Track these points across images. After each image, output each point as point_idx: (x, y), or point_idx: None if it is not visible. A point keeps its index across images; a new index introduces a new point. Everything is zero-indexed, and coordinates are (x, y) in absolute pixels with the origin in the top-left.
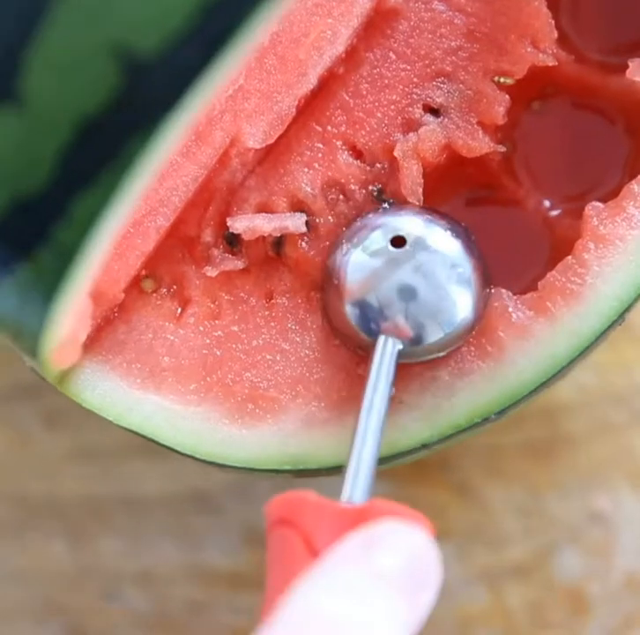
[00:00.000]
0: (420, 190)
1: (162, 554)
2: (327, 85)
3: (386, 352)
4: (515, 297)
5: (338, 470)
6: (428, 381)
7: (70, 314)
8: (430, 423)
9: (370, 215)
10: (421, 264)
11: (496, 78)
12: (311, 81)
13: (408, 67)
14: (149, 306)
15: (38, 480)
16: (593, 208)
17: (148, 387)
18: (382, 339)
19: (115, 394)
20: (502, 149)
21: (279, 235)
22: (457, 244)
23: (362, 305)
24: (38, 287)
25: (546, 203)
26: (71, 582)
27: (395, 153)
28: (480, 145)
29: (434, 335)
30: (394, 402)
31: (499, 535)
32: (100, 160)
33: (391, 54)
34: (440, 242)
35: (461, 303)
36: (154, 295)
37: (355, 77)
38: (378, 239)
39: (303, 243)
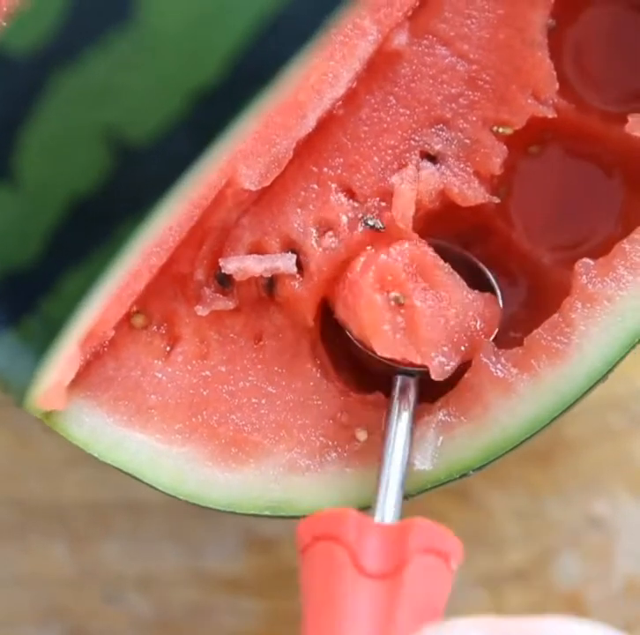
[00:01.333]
0: (411, 213)
1: (163, 558)
2: (325, 126)
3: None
4: (500, 352)
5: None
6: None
7: (58, 364)
8: (409, 478)
9: None
10: None
11: (495, 128)
12: (310, 124)
13: (408, 112)
14: (139, 343)
15: (39, 483)
16: (583, 265)
17: (134, 425)
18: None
19: (102, 431)
20: (497, 200)
21: (269, 275)
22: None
23: None
24: (25, 352)
25: (539, 249)
26: (72, 585)
27: (392, 180)
28: (475, 195)
29: None
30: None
31: (499, 540)
32: (91, 239)
33: (392, 98)
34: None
35: None
36: (145, 331)
37: (354, 119)
38: None
39: (295, 283)
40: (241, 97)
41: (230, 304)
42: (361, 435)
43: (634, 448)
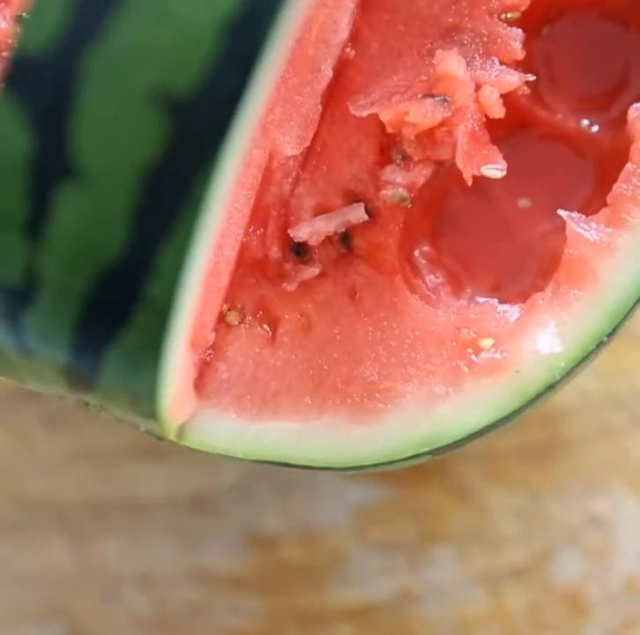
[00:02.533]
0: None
1: (163, 556)
2: (342, 72)
3: None
4: (589, 218)
5: (470, 439)
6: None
7: (177, 367)
8: (549, 364)
9: None
10: None
11: (503, 16)
12: (327, 74)
13: (414, 31)
14: (241, 338)
15: (39, 481)
16: (637, 110)
17: (265, 416)
18: None
19: (237, 432)
20: (532, 77)
21: (343, 230)
22: None
23: None
24: (144, 349)
25: (585, 121)
26: (72, 583)
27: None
28: (512, 78)
29: None
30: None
31: (498, 538)
32: (172, 206)
33: (395, 24)
34: None
35: None
36: (242, 325)
37: (367, 56)
38: None
39: (370, 231)
40: (266, 16)
41: (315, 271)
42: (486, 343)
43: (634, 446)
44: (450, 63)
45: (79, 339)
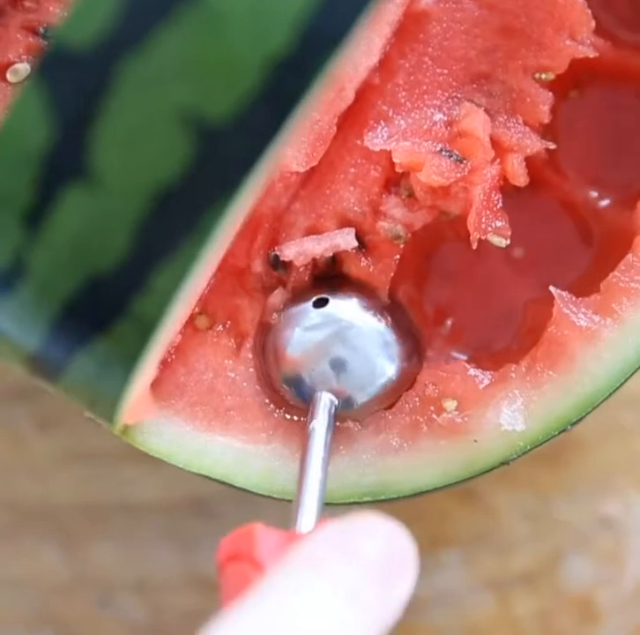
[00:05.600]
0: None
1: (158, 561)
2: (364, 96)
3: (323, 404)
4: (579, 301)
5: (414, 496)
6: (500, 399)
7: (145, 378)
8: (508, 441)
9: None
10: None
11: (537, 75)
12: (349, 96)
13: (445, 71)
14: (206, 344)
15: (31, 484)
16: None
17: (215, 429)
18: (318, 394)
19: (183, 440)
20: (553, 146)
21: (330, 255)
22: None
23: (297, 376)
24: (117, 359)
25: (594, 194)
26: (65, 589)
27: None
28: (532, 143)
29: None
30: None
31: (506, 542)
32: (179, 229)
33: (427, 59)
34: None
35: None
36: (210, 332)
37: (392, 85)
38: (307, 307)
39: (362, 261)
40: (316, 59)
41: (286, 293)
42: (449, 404)
43: None
44: (476, 122)
45: (53, 335)
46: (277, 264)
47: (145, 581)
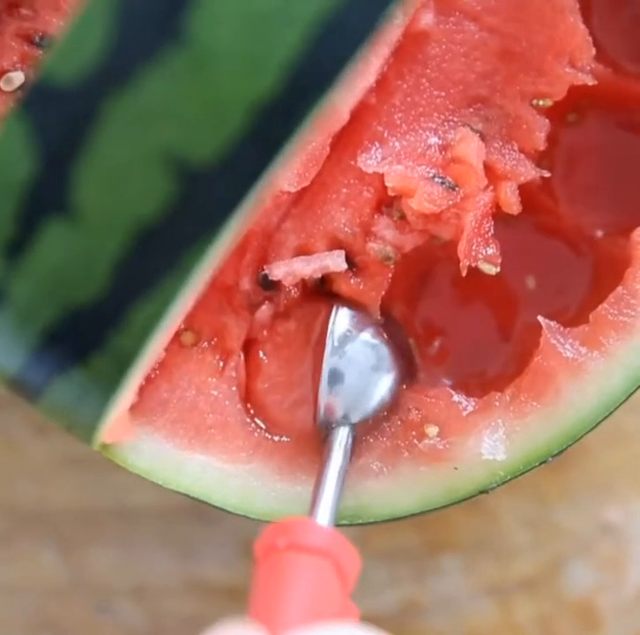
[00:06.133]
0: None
1: (156, 566)
2: (359, 117)
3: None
4: (567, 331)
5: (391, 521)
6: (483, 428)
7: (122, 404)
8: (488, 470)
9: None
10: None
11: (534, 101)
12: (343, 116)
13: (442, 93)
14: (190, 361)
15: (29, 489)
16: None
17: (195, 447)
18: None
19: (162, 457)
20: (547, 174)
21: (319, 276)
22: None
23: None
24: (94, 389)
25: (589, 221)
26: (62, 594)
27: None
28: (526, 171)
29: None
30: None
31: (507, 548)
32: (159, 267)
33: (424, 80)
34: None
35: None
36: (195, 348)
37: (388, 106)
38: None
39: (352, 280)
40: (302, 104)
41: (269, 312)
42: (431, 430)
43: None
44: (470, 149)
45: (31, 361)
46: (266, 283)
47: (143, 586)
